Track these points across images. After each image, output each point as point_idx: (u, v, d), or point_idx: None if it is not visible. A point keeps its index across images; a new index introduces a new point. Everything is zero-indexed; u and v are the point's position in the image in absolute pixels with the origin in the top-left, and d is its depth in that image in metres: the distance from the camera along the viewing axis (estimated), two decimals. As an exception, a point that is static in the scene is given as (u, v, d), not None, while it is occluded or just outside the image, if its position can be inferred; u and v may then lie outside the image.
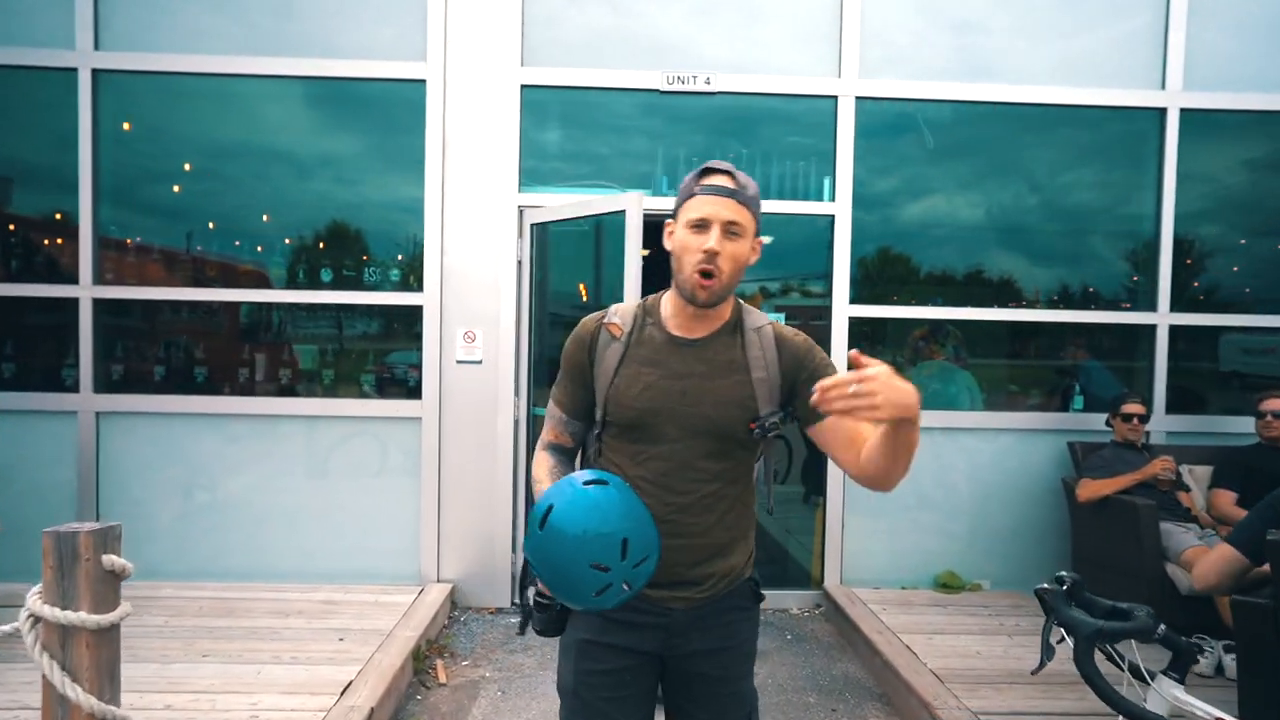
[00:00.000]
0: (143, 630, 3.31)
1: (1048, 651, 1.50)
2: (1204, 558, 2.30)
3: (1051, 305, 4.41)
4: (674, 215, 1.48)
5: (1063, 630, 1.50)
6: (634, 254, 3.64)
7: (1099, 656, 1.50)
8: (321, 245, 4.20)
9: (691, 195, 1.42)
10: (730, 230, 1.40)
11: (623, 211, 3.70)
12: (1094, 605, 1.67)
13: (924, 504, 4.33)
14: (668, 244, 1.48)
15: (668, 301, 1.53)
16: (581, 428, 1.60)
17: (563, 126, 4.26)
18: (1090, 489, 3.75)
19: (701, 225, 1.40)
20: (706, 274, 1.40)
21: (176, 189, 4.16)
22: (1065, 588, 1.58)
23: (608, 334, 1.52)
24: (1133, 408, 3.84)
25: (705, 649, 1.51)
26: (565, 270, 4.45)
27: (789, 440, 4.17)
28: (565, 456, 1.61)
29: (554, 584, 1.35)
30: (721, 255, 1.39)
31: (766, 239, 1.49)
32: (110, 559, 1.36)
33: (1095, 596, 1.69)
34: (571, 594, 1.33)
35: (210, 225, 4.17)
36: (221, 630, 3.35)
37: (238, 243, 4.20)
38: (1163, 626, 1.50)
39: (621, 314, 1.54)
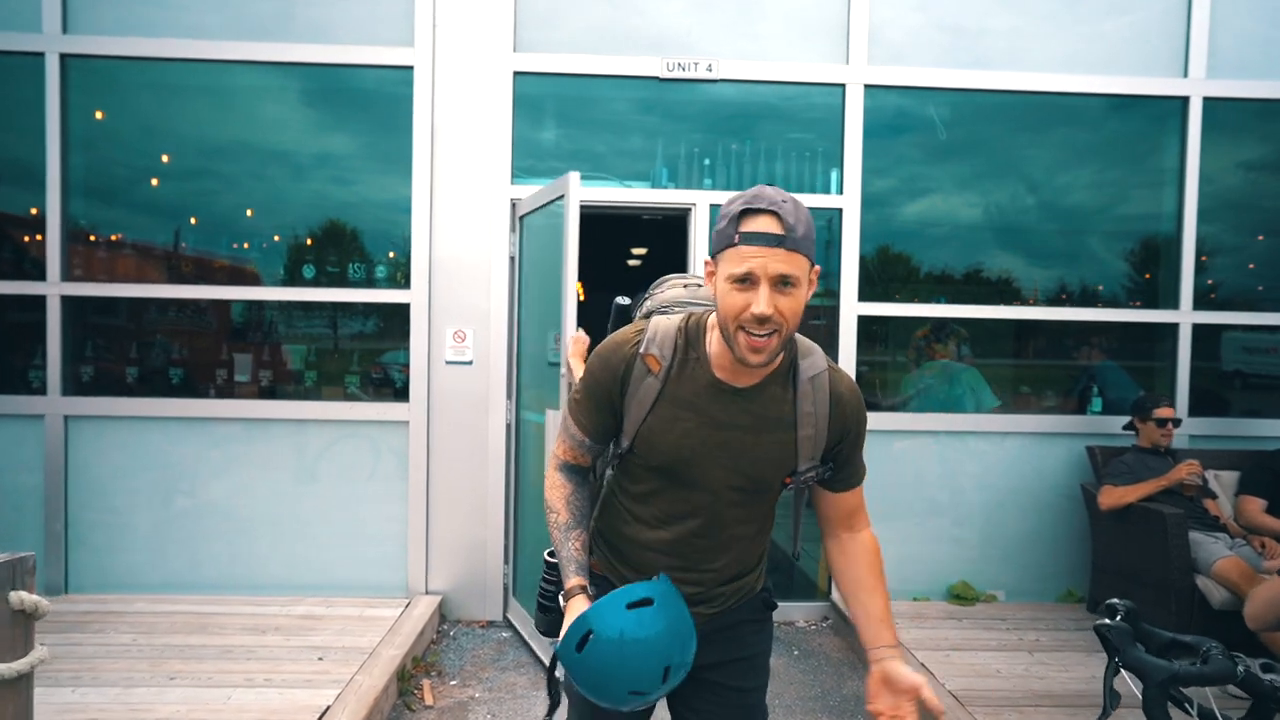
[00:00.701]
0: (108, 650, 3.10)
1: (1113, 699, 1.31)
2: (1255, 596, 2.13)
3: (1058, 303, 4.21)
4: (713, 256, 1.26)
5: (1126, 672, 1.31)
6: (572, 245, 3.21)
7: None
8: (308, 241, 3.99)
9: (731, 244, 1.20)
10: (781, 284, 1.18)
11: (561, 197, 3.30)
12: (1151, 638, 1.49)
13: (933, 510, 4.14)
14: (707, 285, 1.28)
15: (714, 335, 1.32)
16: (601, 449, 1.47)
17: (558, 117, 4.05)
18: (1113, 496, 3.56)
19: (746, 281, 1.18)
20: (759, 337, 1.19)
21: (154, 182, 3.94)
22: (1125, 620, 1.39)
23: (643, 366, 1.34)
24: (1166, 411, 3.63)
25: (717, 660, 1.47)
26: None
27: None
28: (581, 476, 1.50)
29: (588, 691, 1.30)
30: (774, 316, 1.18)
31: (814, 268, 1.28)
32: (19, 596, 1.16)
33: (1153, 628, 1.50)
34: (606, 702, 1.31)
35: (190, 220, 3.95)
36: (193, 649, 3.14)
37: (216, 238, 3.98)
38: (1242, 668, 1.31)
39: (660, 342, 1.34)
